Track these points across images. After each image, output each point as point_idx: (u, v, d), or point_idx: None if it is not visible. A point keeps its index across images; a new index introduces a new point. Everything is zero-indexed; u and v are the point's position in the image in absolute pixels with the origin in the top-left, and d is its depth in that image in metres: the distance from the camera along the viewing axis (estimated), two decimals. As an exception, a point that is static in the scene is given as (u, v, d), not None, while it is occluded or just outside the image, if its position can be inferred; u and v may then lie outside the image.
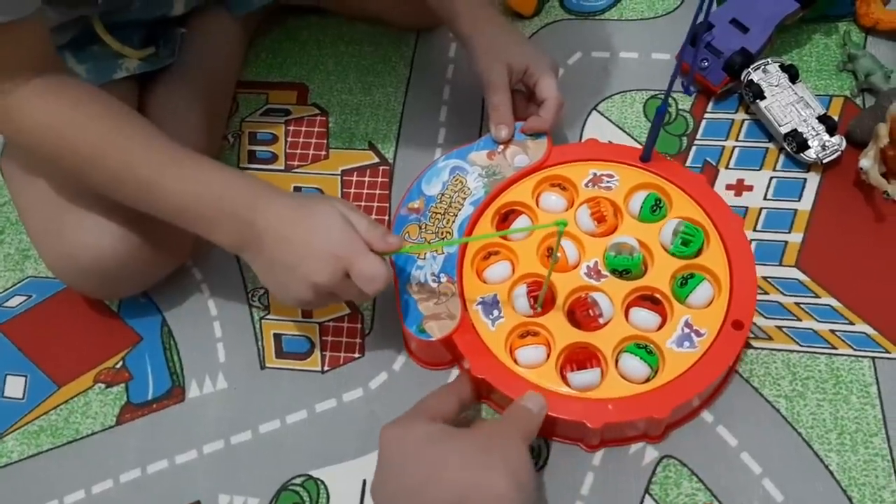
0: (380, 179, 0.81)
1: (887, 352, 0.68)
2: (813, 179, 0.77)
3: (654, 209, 0.70)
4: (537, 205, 0.71)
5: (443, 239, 0.69)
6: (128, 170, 0.60)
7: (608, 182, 0.72)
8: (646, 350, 0.64)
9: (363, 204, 0.80)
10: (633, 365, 0.63)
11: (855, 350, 0.69)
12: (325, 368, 0.71)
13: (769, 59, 0.80)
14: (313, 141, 0.84)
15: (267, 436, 0.69)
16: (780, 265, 0.73)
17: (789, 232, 0.74)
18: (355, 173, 0.81)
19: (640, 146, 0.77)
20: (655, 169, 0.72)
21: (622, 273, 0.67)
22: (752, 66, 0.79)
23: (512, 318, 0.66)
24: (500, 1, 0.89)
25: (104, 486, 0.68)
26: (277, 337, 0.73)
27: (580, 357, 0.64)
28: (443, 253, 0.68)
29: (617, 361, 0.64)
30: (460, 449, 0.54)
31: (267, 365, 0.72)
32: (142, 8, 0.73)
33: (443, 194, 0.71)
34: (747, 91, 0.79)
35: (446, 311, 0.66)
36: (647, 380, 0.63)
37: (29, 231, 0.72)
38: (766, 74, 0.79)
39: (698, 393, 0.63)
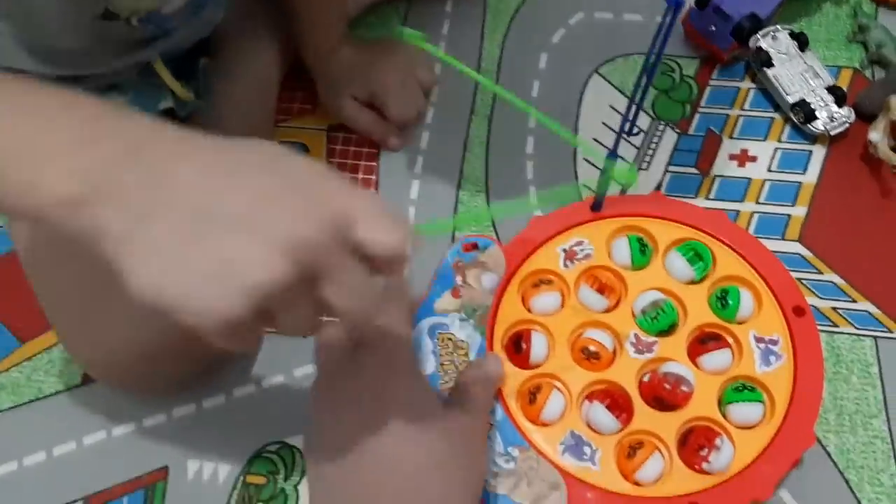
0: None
1: (890, 331, 0.66)
2: (819, 152, 0.74)
3: (642, 250, 0.64)
4: (530, 312, 0.63)
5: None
6: None
7: (583, 251, 0.65)
8: (746, 388, 0.59)
9: (350, 162, 0.76)
10: (746, 411, 0.58)
11: (857, 329, 0.66)
12: (305, 332, 0.68)
13: (778, 26, 0.77)
14: (298, 94, 0.80)
15: (241, 400, 0.65)
16: (783, 239, 0.70)
17: (793, 205, 0.72)
18: (342, 130, 0.77)
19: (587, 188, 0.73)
20: (613, 212, 0.66)
21: (668, 330, 0.62)
22: (760, 33, 0.76)
23: (607, 444, 0.58)
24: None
25: (67, 448, 0.64)
26: (255, 297, 0.70)
27: (701, 441, 0.57)
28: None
29: (726, 418, 0.58)
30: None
31: (243, 326, 0.68)
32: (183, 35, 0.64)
33: (442, 365, 0.60)
34: (755, 58, 0.76)
35: (544, 483, 0.56)
36: (763, 415, 0.59)
37: (58, 329, 0.63)
38: (775, 42, 0.76)
39: (822, 395, 0.59)
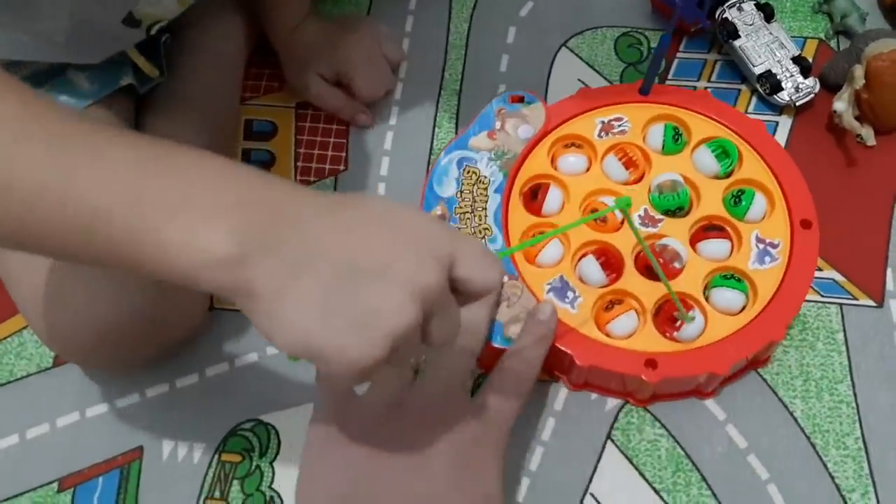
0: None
1: (855, 298, 0.67)
2: (785, 123, 0.75)
3: (676, 139, 0.67)
4: (556, 170, 0.67)
5: (484, 237, 0.64)
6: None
7: (620, 126, 0.68)
8: (733, 278, 0.62)
9: (318, 139, 0.76)
10: (728, 297, 0.61)
11: (823, 296, 0.67)
12: (278, 310, 0.68)
13: (744, -3, 0.77)
14: (266, 71, 0.79)
15: (214, 379, 0.65)
16: (750, 209, 0.71)
17: (760, 176, 0.72)
18: (311, 107, 0.77)
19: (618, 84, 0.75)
20: (659, 99, 0.69)
21: (675, 212, 0.65)
22: (727, 4, 0.76)
23: (590, 294, 0.61)
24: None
25: (40, 431, 0.64)
26: (227, 276, 0.69)
27: (675, 311, 0.60)
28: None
29: (708, 300, 0.62)
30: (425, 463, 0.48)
31: (215, 306, 0.68)
32: None
33: (461, 192, 0.65)
34: (721, 30, 0.76)
35: (523, 309, 0.60)
36: (743, 308, 0.61)
37: (17, 302, 0.61)
38: (742, 13, 0.76)
39: (803, 300, 0.62)
